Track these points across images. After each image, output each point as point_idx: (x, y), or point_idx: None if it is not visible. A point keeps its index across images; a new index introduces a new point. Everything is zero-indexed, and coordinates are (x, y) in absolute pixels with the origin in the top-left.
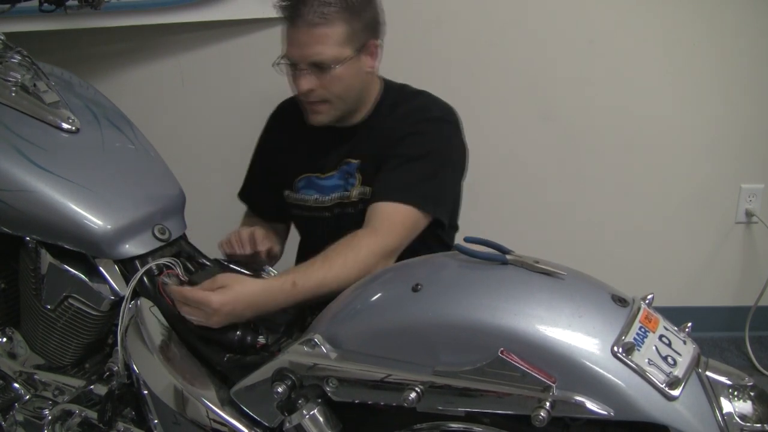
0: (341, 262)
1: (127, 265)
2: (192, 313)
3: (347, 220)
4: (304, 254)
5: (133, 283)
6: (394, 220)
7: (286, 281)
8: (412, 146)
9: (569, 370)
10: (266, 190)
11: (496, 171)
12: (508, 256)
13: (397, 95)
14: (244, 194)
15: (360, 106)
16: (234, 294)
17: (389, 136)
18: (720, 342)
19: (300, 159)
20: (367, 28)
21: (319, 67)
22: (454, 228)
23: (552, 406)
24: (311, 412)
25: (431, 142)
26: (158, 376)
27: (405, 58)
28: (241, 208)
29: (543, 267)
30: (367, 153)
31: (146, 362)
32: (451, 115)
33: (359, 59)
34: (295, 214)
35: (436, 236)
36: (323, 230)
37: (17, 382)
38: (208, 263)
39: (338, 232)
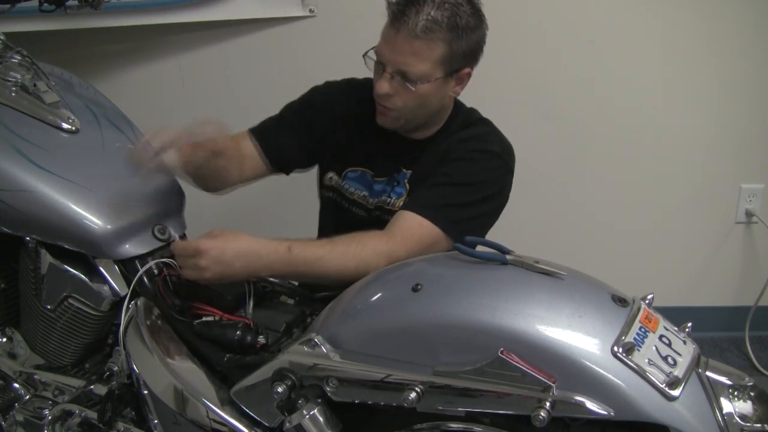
0: (343, 250)
1: (127, 265)
2: (185, 265)
3: (382, 225)
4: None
5: (133, 283)
6: (413, 232)
7: (282, 244)
8: (461, 171)
9: (569, 370)
10: (294, 145)
11: None
12: (508, 256)
13: (465, 117)
14: (260, 132)
15: (430, 124)
16: (224, 239)
17: (445, 154)
18: (720, 342)
19: (360, 151)
20: (466, 54)
21: (404, 77)
22: None
23: (552, 406)
24: (311, 412)
25: (480, 173)
26: (158, 376)
27: None
28: (240, 208)
29: (543, 267)
30: (421, 167)
31: (146, 362)
32: (509, 156)
33: (446, 83)
34: (329, 196)
35: None
36: (354, 226)
37: (17, 382)
38: None
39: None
